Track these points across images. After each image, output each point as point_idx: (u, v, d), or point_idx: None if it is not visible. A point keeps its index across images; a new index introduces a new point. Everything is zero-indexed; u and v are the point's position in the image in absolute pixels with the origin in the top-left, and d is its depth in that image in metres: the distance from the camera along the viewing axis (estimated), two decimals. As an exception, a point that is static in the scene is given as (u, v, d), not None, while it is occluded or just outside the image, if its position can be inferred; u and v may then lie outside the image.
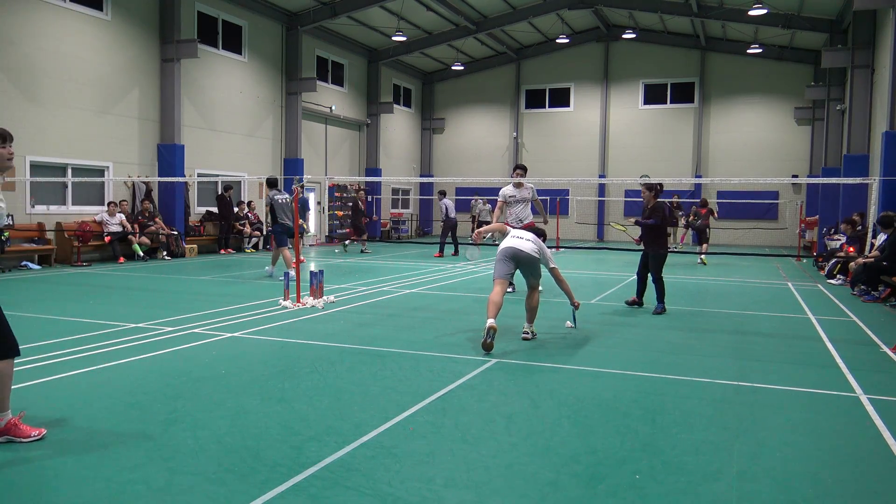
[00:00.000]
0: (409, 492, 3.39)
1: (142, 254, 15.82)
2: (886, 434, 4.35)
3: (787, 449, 4.07)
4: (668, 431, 4.35)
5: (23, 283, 11.43)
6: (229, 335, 7.18)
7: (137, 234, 15.96)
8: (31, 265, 13.82)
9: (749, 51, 24.00)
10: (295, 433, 4.19)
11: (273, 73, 21.49)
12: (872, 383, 5.60)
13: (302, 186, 13.71)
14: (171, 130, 17.44)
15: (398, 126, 28.79)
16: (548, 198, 27.68)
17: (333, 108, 24.30)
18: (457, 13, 22.85)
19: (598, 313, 9.11)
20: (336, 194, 24.71)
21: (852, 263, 11.75)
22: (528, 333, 7.13)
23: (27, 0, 14.24)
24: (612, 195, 27.54)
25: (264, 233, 18.75)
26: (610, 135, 28.13)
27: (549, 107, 29.21)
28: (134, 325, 7.60)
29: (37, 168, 14.64)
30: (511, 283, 10.91)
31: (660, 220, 9.36)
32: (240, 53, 20.24)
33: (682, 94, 27.25)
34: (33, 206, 14.61)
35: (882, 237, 11.35)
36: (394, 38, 23.36)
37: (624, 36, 25.76)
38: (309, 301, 9.21)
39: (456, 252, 18.32)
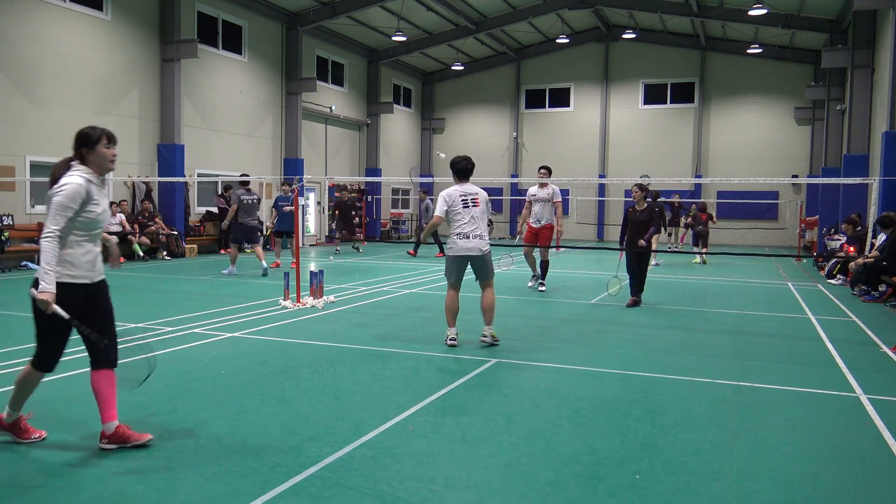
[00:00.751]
0: (409, 492, 3.40)
1: (142, 254, 15.82)
2: (886, 434, 4.35)
3: (787, 449, 4.08)
4: (668, 431, 4.35)
5: (23, 284, 11.43)
6: (229, 335, 7.18)
7: (137, 234, 15.96)
8: (31, 265, 13.82)
9: (749, 51, 24.00)
10: (295, 433, 4.19)
11: (273, 73, 21.50)
12: (872, 383, 5.60)
13: (289, 185, 13.80)
14: (171, 130, 17.44)
15: (398, 126, 28.79)
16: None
17: (333, 108, 24.30)
18: (457, 13, 22.85)
19: (598, 313, 9.12)
20: (336, 194, 24.71)
21: (852, 263, 11.75)
22: (486, 337, 6.73)
23: (27, 0, 14.24)
24: (612, 195, 27.54)
25: (264, 233, 18.74)
26: (610, 135, 28.13)
27: (549, 107, 29.21)
28: (134, 325, 7.60)
29: (37, 168, 14.64)
30: (535, 276, 11.37)
31: (658, 227, 9.90)
32: (240, 53, 20.24)
33: (682, 94, 27.25)
34: (33, 206, 14.61)
35: (882, 237, 11.35)
36: (394, 38, 23.35)
37: (624, 36, 25.76)
38: (309, 301, 9.21)
39: (441, 253, 18.19)
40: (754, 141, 26.21)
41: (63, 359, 6.05)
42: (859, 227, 14.04)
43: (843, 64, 18.64)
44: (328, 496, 3.34)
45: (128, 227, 15.75)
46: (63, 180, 3.73)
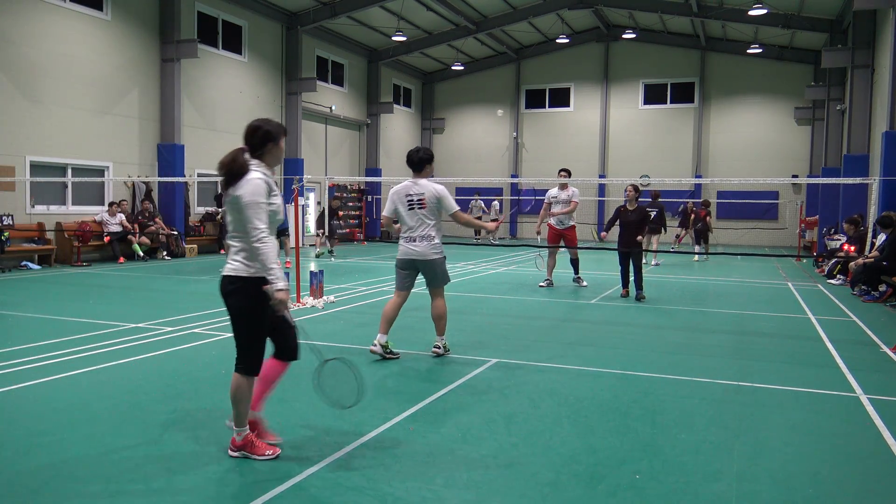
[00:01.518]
0: (409, 492, 3.40)
1: (142, 254, 15.82)
2: (886, 434, 4.35)
3: (787, 449, 4.08)
4: (668, 431, 4.35)
5: (23, 283, 11.43)
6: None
7: (137, 234, 15.96)
8: (31, 265, 13.82)
9: (749, 51, 23.99)
10: (295, 433, 4.19)
11: (273, 73, 21.50)
12: (872, 383, 5.60)
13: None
14: (171, 130, 17.44)
15: (398, 126, 28.79)
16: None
17: (333, 108, 24.30)
18: (457, 13, 22.85)
19: (597, 313, 9.12)
20: (336, 194, 24.71)
21: (852, 263, 11.75)
22: (438, 348, 6.30)
23: (27, 0, 14.24)
24: (612, 195, 27.53)
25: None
26: (610, 135, 28.12)
27: (549, 107, 29.20)
28: (134, 325, 7.60)
29: (37, 168, 14.64)
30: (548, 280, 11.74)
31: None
32: (240, 53, 20.24)
33: (682, 94, 27.24)
34: (33, 206, 14.62)
35: (882, 237, 11.35)
36: (394, 38, 23.35)
37: (624, 36, 25.75)
38: (309, 301, 9.21)
39: None
40: (754, 141, 26.21)
41: (63, 359, 6.07)
42: (861, 228, 14.04)
43: (843, 64, 18.64)
44: (328, 496, 3.34)
45: (128, 226, 15.76)
46: (248, 178, 3.64)
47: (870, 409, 4.89)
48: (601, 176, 27.20)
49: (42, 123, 14.66)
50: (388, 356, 6.12)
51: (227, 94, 19.71)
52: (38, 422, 4.36)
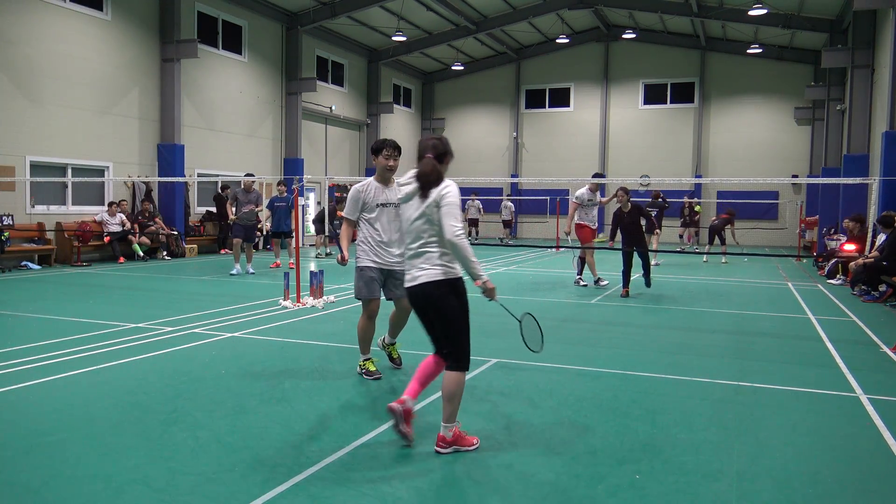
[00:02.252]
0: (409, 492, 3.40)
1: (142, 254, 15.82)
2: (886, 434, 4.35)
3: (787, 449, 4.08)
4: (668, 431, 4.35)
5: (23, 283, 11.43)
6: (229, 335, 7.18)
7: (137, 234, 15.96)
8: (31, 265, 13.82)
9: (749, 51, 23.99)
10: (295, 433, 4.19)
11: (273, 73, 21.50)
12: (872, 383, 5.60)
13: (285, 185, 13.82)
14: (171, 130, 17.45)
15: (398, 126, 28.78)
16: (547, 198, 27.70)
17: (333, 108, 24.30)
18: (457, 13, 22.85)
19: (598, 313, 9.12)
20: (336, 194, 24.70)
21: (852, 263, 11.75)
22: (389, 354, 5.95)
23: (27, 0, 14.24)
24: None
25: (264, 232, 18.78)
26: (610, 135, 28.13)
27: (549, 107, 29.20)
28: (134, 325, 7.60)
29: (37, 168, 14.64)
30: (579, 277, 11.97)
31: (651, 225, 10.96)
32: (240, 53, 20.25)
33: (682, 94, 27.24)
34: (33, 206, 14.61)
35: (882, 237, 11.34)
36: (394, 38, 23.35)
37: (624, 36, 25.75)
38: (309, 301, 9.21)
39: None
40: (754, 141, 26.21)
41: (63, 359, 6.07)
42: (863, 225, 14.02)
43: (843, 64, 18.63)
44: (328, 496, 3.34)
45: (128, 226, 15.76)
46: (446, 182, 3.92)
47: (870, 409, 4.89)
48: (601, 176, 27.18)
49: (42, 123, 14.66)
50: (399, 361, 5.93)
51: (227, 94, 19.72)
52: (38, 422, 4.36)
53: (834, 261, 13.58)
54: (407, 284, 4.02)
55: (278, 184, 14.55)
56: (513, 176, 28.63)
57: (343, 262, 5.72)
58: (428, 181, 3.90)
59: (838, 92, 21.68)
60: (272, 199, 14.20)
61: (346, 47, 24.93)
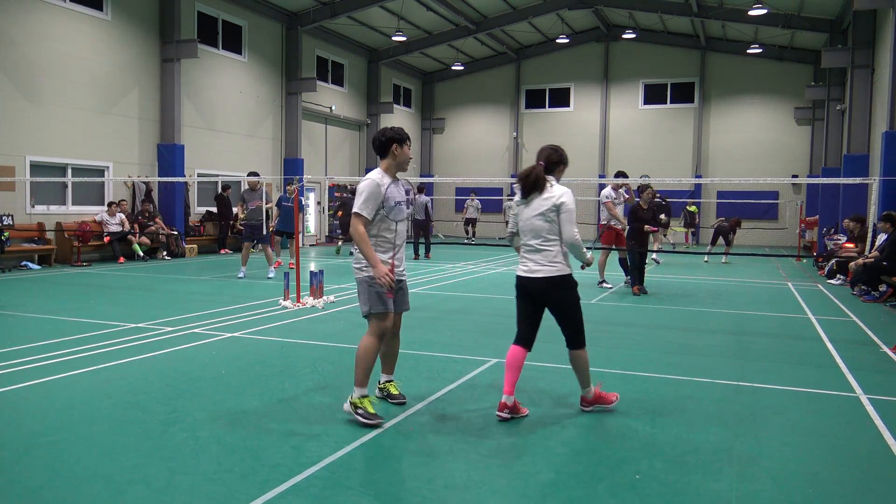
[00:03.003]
0: (409, 492, 3.40)
1: (142, 254, 15.83)
2: (886, 434, 4.35)
3: (787, 449, 4.08)
4: (668, 431, 4.35)
5: (23, 283, 11.43)
6: (229, 335, 7.18)
7: (137, 234, 15.96)
8: (31, 265, 13.82)
9: (749, 51, 23.99)
10: (295, 433, 4.19)
11: (273, 73, 21.50)
12: (872, 383, 5.60)
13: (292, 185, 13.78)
14: (171, 130, 17.45)
15: (398, 126, 28.77)
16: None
17: (333, 108, 24.30)
18: (457, 13, 22.85)
19: (598, 313, 9.11)
20: (336, 194, 24.72)
21: (852, 263, 11.75)
22: (347, 406, 4.50)
23: (27, 0, 14.24)
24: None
25: (265, 232, 18.83)
26: (610, 135, 28.13)
27: (549, 107, 29.20)
28: (134, 325, 7.60)
29: (37, 168, 14.64)
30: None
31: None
32: (240, 53, 20.24)
33: (682, 94, 27.24)
34: (33, 206, 14.62)
35: (882, 237, 11.34)
36: (394, 38, 23.35)
37: (624, 36, 25.75)
38: (309, 301, 9.21)
39: (418, 255, 17.53)
40: (754, 141, 26.20)
41: (63, 359, 6.07)
42: (863, 226, 14.03)
43: (843, 64, 18.63)
44: (328, 496, 3.34)
45: (128, 226, 15.76)
46: (563, 189, 4.51)
47: (870, 409, 4.89)
48: (601, 176, 27.19)
49: (42, 123, 14.66)
50: (402, 397, 4.88)
51: (227, 94, 19.72)
52: (38, 422, 4.36)
53: (834, 260, 13.58)
54: (523, 274, 4.61)
55: (287, 184, 14.55)
56: (513, 176, 28.60)
57: (390, 280, 4.37)
58: (526, 183, 4.53)
59: (838, 92, 21.68)
60: (280, 199, 14.21)
61: (346, 47, 24.92)
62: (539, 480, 3.55)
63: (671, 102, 27.40)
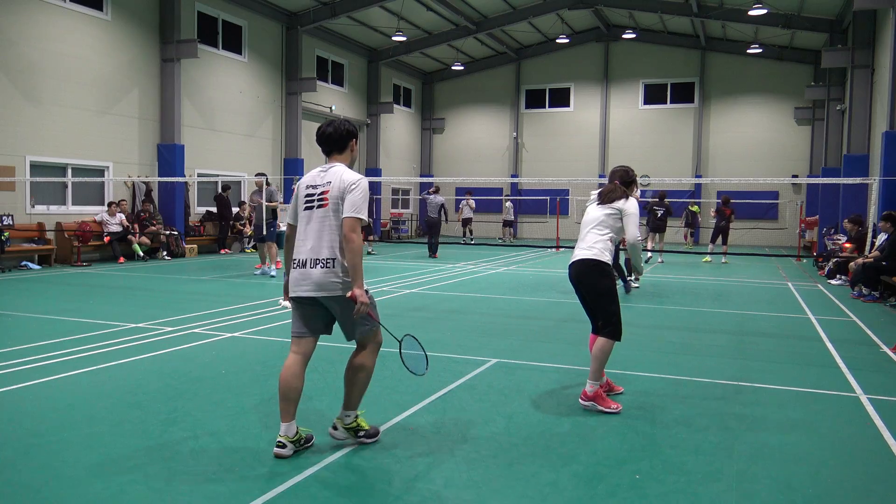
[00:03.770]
0: (409, 492, 3.40)
1: (142, 254, 15.83)
2: (886, 434, 4.35)
3: (787, 449, 4.08)
4: (668, 431, 4.35)
5: (23, 283, 11.43)
6: (229, 335, 7.18)
7: (137, 234, 15.96)
8: (31, 265, 13.82)
9: (749, 51, 24.00)
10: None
11: (273, 73, 21.50)
12: (872, 383, 5.60)
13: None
14: (171, 130, 17.45)
15: (398, 126, 28.80)
16: (547, 198, 27.71)
17: (333, 108, 24.31)
18: (457, 13, 22.85)
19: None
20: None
21: (852, 263, 11.75)
22: (336, 430, 4.03)
23: (27, 0, 14.24)
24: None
25: (264, 232, 18.82)
26: (610, 135, 28.13)
27: (549, 107, 29.20)
28: (134, 325, 7.60)
29: (37, 168, 14.64)
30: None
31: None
32: (240, 53, 20.24)
33: (682, 94, 27.25)
34: (33, 206, 14.61)
35: (882, 237, 11.34)
36: (394, 38, 23.36)
37: (624, 36, 25.75)
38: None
39: (435, 254, 17.76)
40: (754, 141, 26.21)
41: (63, 359, 6.07)
42: (860, 228, 14.04)
43: (843, 64, 18.63)
44: (328, 496, 3.34)
45: (128, 226, 15.76)
46: (630, 198, 4.93)
47: (870, 409, 4.89)
48: (601, 176, 27.18)
49: (42, 123, 14.66)
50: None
51: (227, 94, 19.71)
52: (38, 422, 4.36)
53: (833, 260, 13.58)
54: (569, 262, 5.01)
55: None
56: (513, 176, 28.63)
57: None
58: (611, 198, 4.94)
59: (838, 92, 21.68)
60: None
61: (346, 47, 24.93)
62: (539, 480, 3.55)
63: (671, 102, 27.41)
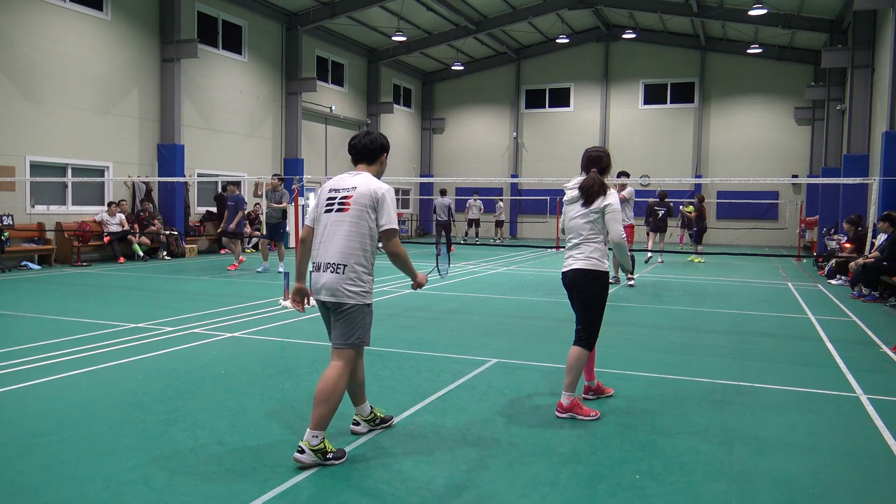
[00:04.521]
0: (409, 492, 3.40)
1: (142, 254, 15.82)
2: (886, 434, 4.35)
3: (787, 449, 4.08)
4: (668, 431, 4.35)
5: (23, 283, 11.43)
6: (229, 335, 7.18)
7: (137, 234, 15.96)
8: (31, 265, 13.82)
9: (749, 51, 24.00)
10: (295, 433, 4.19)
11: (273, 73, 21.50)
12: (872, 383, 5.60)
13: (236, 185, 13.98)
14: (171, 130, 17.45)
15: (398, 126, 28.79)
16: (547, 198, 27.72)
17: (333, 108, 24.31)
18: (457, 13, 22.85)
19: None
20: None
21: (852, 263, 11.75)
22: (302, 454, 3.63)
23: (27, 0, 14.24)
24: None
25: (265, 232, 18.80)
26: (610, 135, 28.13)
27: (549, 107, 29.21)
28: (134, 325, 7.60)
29: (37, 168, 14.64)
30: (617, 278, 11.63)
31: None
32: (240, 53, 20.24)
33: (682, 94, 27.25)
34: (33, 206, 14.61)
35: (882, 237, 11.34)
36: (394, 38, 23.36)
37: (624, 36, 25.76)
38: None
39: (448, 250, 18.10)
40: (754, 141, 26.21)
41: (63, 359, 6.07)
42: (859, 228, 14.04)
43: (843, 64, 18.63)
44: (328, 496, 3.34)
45: (127, 226, 15.76)
46: (611, 191, 4.63)
47: (870, 409, 4.89)
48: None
49: (42, 123, 14.66)
50: (324, 459, 3.70)
51: (227, 94, 19.71)
52: (38, 422, 4.36)
53: (833, 261, 13.58)
54: (563, 270, 4.79)
55: (231, 184, 14.68)
56: (513, 176, 28.64)
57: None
58: (591, 192, 4.62)
59: (838, 92, 21.68)
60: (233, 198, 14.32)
61: (346, 47, 24.93)
62: (539, 480, 3.55)
63: (671, 102, 27.41)
